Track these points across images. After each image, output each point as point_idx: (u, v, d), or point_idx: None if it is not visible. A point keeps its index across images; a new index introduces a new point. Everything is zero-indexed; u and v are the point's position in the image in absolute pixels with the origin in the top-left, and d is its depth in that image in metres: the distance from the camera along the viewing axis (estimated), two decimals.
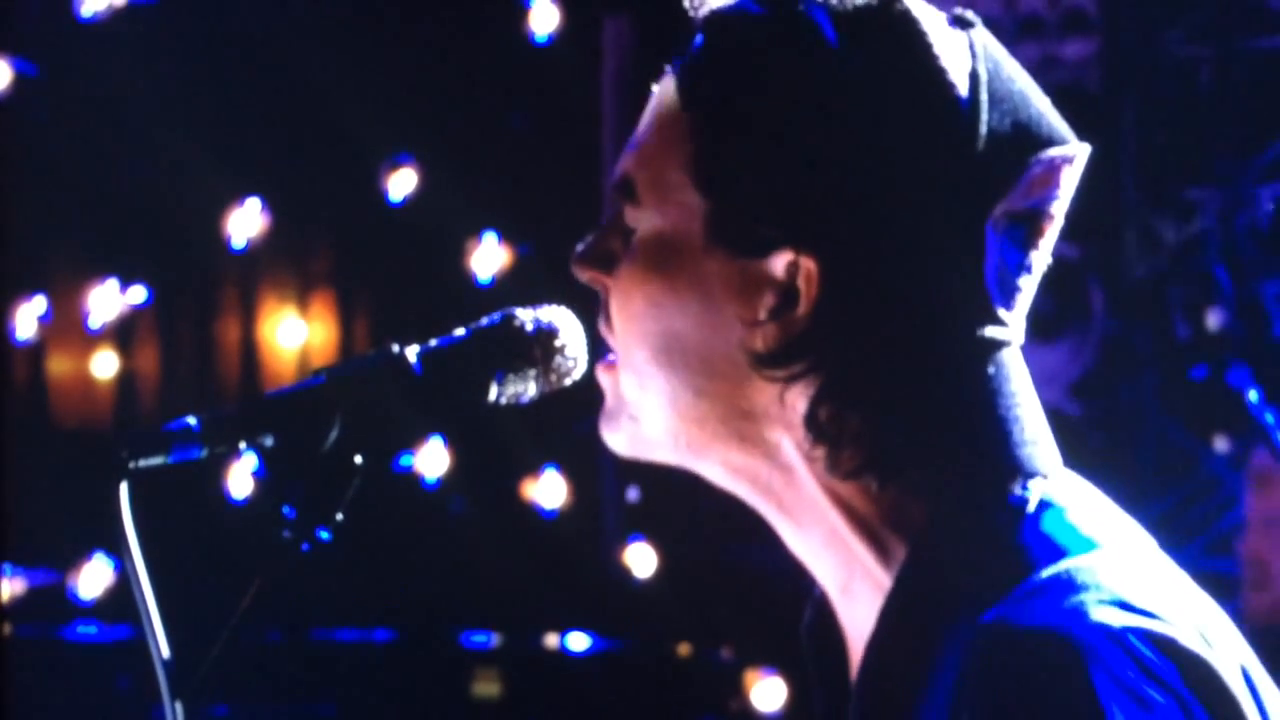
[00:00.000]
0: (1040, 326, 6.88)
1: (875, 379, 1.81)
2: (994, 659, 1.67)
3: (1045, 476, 1.83)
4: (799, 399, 1.84)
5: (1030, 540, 1.78)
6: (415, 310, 7.40)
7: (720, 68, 1.86)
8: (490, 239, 7.41)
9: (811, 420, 1.83)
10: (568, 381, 2.00)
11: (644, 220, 1.88)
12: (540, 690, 7.23)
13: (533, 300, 2.03)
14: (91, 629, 7.17)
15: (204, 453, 1.92)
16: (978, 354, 1.83)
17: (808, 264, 1.81)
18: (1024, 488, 1.81)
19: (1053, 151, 1.84)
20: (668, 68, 1.91)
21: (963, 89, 1.82)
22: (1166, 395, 6.90)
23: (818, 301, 1.81)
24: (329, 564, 2.04)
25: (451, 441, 7.28)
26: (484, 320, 2.00)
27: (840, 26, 1.82)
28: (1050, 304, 6.80)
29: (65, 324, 7.67)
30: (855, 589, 1.86)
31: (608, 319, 1.92)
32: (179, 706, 1.86)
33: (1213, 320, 6.86)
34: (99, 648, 7.11)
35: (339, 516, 1.90)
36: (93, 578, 7.15)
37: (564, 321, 2.00)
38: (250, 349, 8.06)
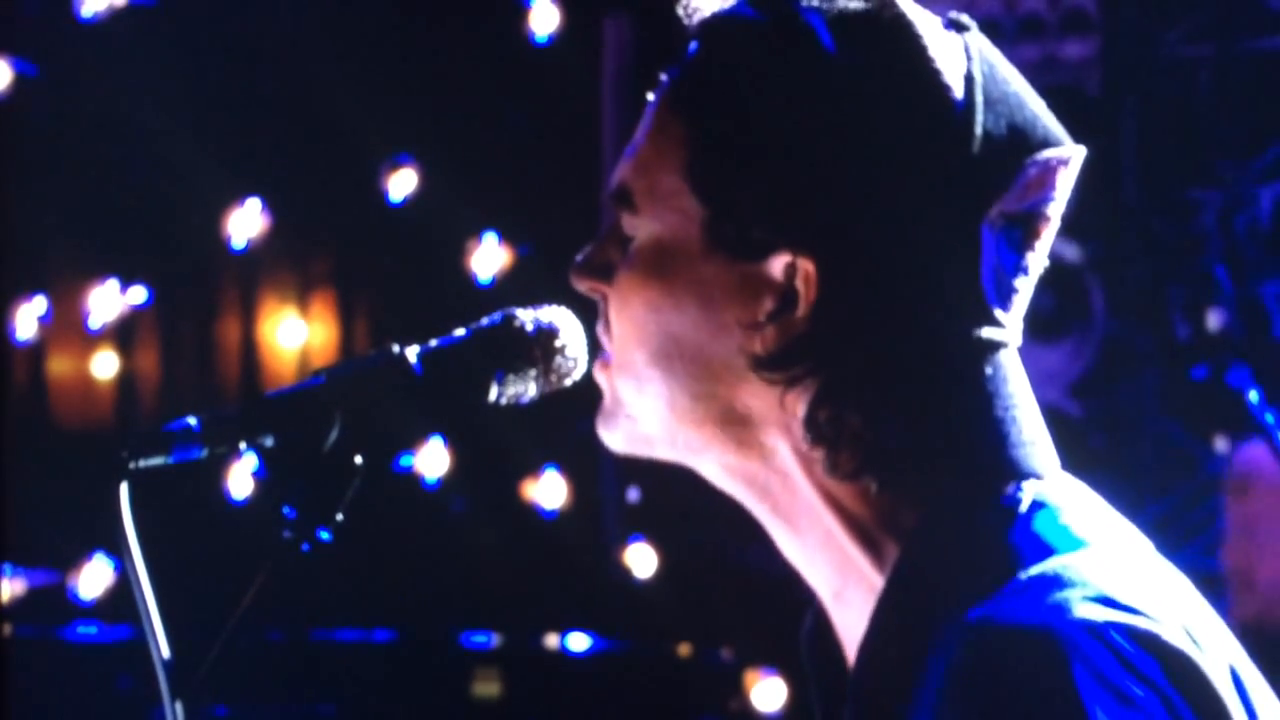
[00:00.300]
0: (1040, 326, 6.89)
1: (874, 380, 1.82)
2: (976, 655, 1.68)
3: (1041, 477, 1.84)
4: (798, 402, 1.84)
5: (1020, 540, 1.78)
6: (415, 310, 7.40)
7: (716, 73, 1.87)
8: (490, 239, 7.41)
9: (810, 422, 1.83)
10: (568, 382, 2.01)
11: (642, 227, 1.89)
12: (540, 690, 7.23)
13: (533, 300, 2.03)
14: (91, 629, 7.17)
15: (204, 453, 1.93)
16: (975, 355, 1.84)
17: (806, 266, 1.82)
18: (1017, 488, 1.81)
19: (1048, 153, 1.84)
20: (662, 76, 1.92)
21: (958, 91, 1.83)
22: (1166, 395, 6.90)
23: (816, 303, 1.82)
24: (329, 564, 2.04)
25: (451, 441, 7.28)
26: (484, 320, 2.00)
27: (835, 31, 1.83)
28: (1050, 304, 6.80)
29: (65, 324, 7.67)
30: (849, 594, 1.87)
31: (607, 326, 1.93)
32: (179, 706, 1.86)
33: (1213, 320, 6.86)
34: (99, 648, 7.11)
35: (339, 516, 1.91)
36: (93, 578, 7.15)
37: (564, 322, 2.00)
38: (250, 349, 8.06)
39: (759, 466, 1.88)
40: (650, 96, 1.93)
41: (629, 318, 1.89)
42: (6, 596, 7.04)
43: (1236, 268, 6.77)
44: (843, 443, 1.82)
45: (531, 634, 7.31)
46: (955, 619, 1.71)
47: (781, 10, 1.85)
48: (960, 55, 1.85)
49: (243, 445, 1.93)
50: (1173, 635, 1.69)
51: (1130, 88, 6.94)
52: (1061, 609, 1.69)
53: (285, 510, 1.90)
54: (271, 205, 7.48)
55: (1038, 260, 1.86)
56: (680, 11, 1.91)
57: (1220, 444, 6.89)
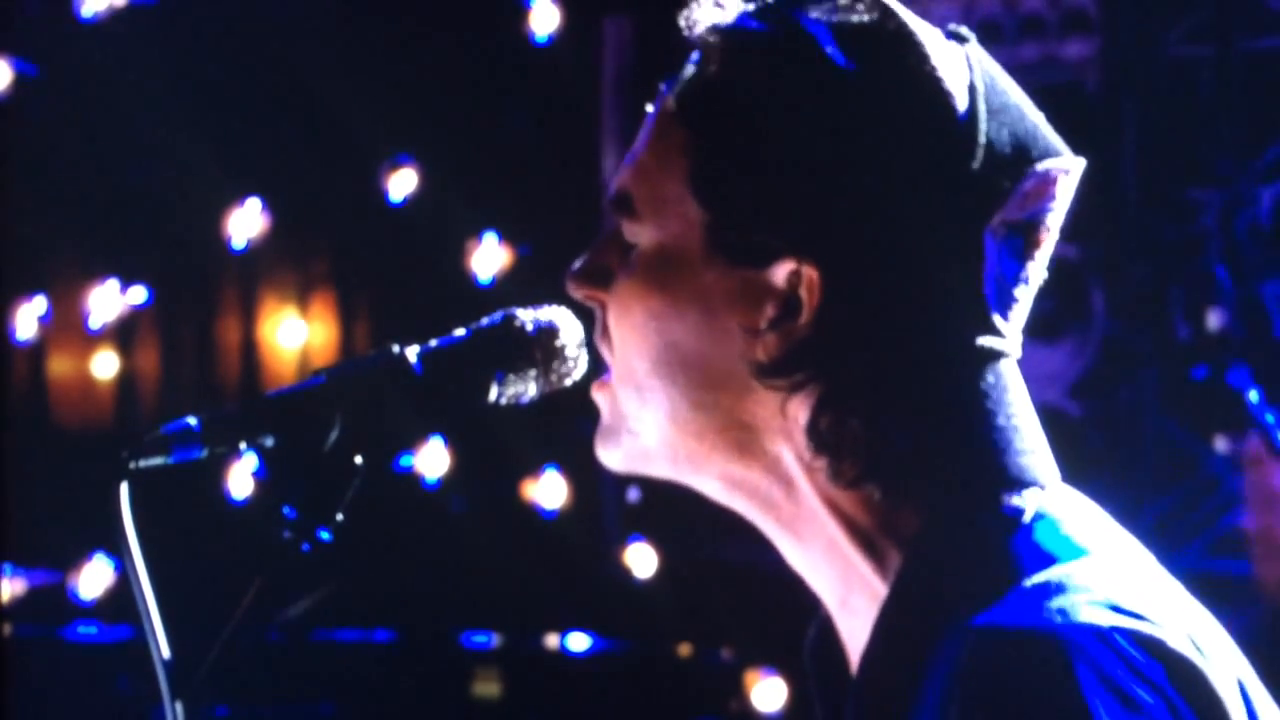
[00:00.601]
0: (1040, 326, 6.88)
1: (876, 387, 1.82)
2: (981, 660, 1.68)
3: (1043, 487, 1.84)
4: (800, 409, 1.84)
5: (1022, 549, 1.78)
6: (415, 310, 7.40)
7: (720, 83, 1.87)
8: (490, 239, 7.41)
9: (813, 429, 1.83)
10: (568, 382, 2.01)
11: (643, 234, 1.89)
12: (540, 690, 7.23)
13: (533, 300, 2.03)
14: (91, 629, 7.17)
15: (204, 453, 1.93)
16: (976, 364, 1.84)
17: (809, 273, 1.82)
18: (1019, 497, 1.82)
19: (1049, 163, 1.85)
20: (663, 86, 1.92)
21: (961, 101, 1.83)
22: (1166, 395, 6.90)
23: (819, 310, 1.82)
24: (329, 564, 2.04)
25: (451, 441, 7.28)
26: (484, 320, 2.00)
27: (839, 41, 1.83)
28: (1050, 304, 6.79)
29: (65, 324, 7.67)
30: (854, 602, 1.87)
31: (605, 335, 1.93)
32: (179, 706, 1.86)
33: (1213, 320, 6.86)
34: (99, 648, 7.11)
35: (339, 516, 1.91)
36: (93, 578, 7.15)
37: (564, 322, 2.00)
38: (250, 349, 8.06)
39: (761, 476, 1.88)
40: (649, 107, 1.93)
41: (630, 325, 1.89)
42: (6, 596, 7.04)
43: (1236, 268, 6.77)
44: (845, 450, 1.82)
45: (531, 634, 7.32)
46: (958, 625, 1.71)
47: (786, 22, 1.85)
48: (962, 66, 1.85)
49: (243, 445, 1.93)
50: (1177, 641, 1.69)
51: (1130, 88, 6.94)
52: (1066, 614, 1.69)
53: (285, 510, 1.90)
54: (271, 205, 7.48)
55: (1038, 270, 1.87)
56: (681, 23, 1.91)
57: (1220, 444, 6.89)
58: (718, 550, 7.15)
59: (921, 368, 1.82)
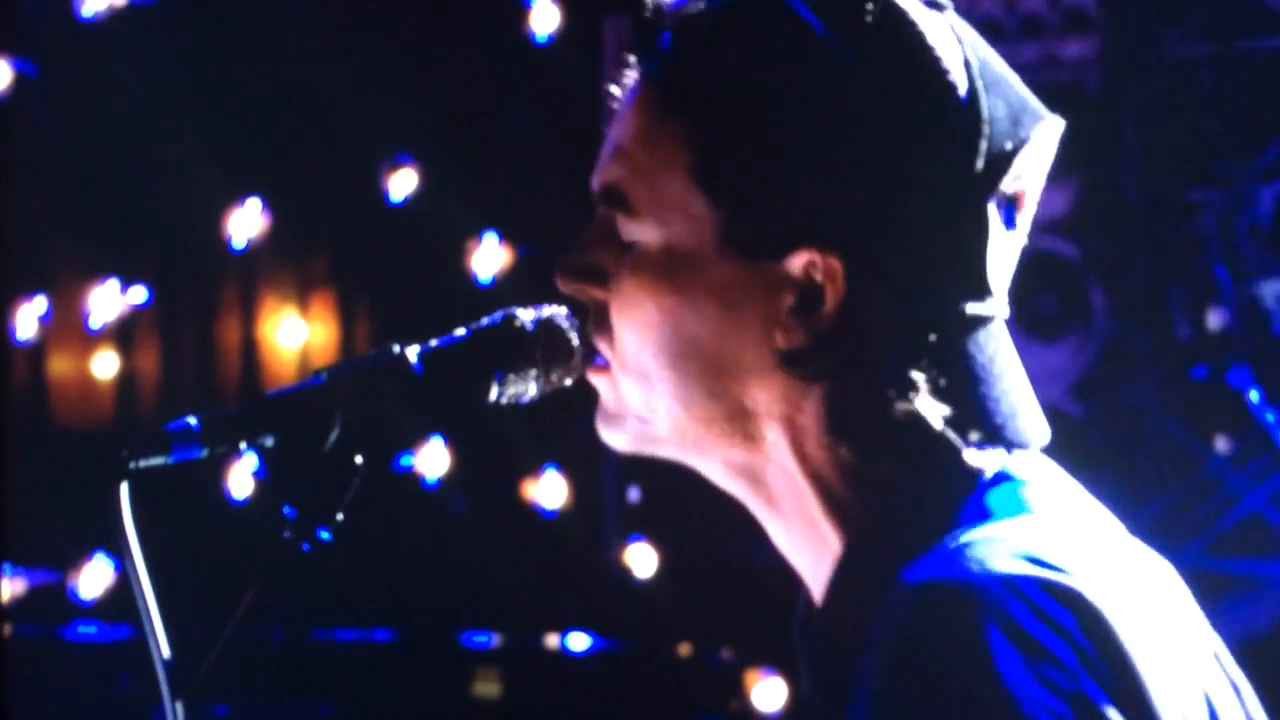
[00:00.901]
0: (1041, 326, 6.90)
1: (898, 365, 1.81)
2: (899, 614, 1.68)
3: (1024, 447, 1.84)
4: (810, 392, 1.84)
5: (969, 507, 1.78)
6: (415, 310, 7.40)
7: (715, 70, 1.85)
8: (490, 239, 7.41)
9: (834, 411, 1.83)
10: (568, 382, 2.00)
11: (645, 233, 1.88)
12: (540, 690, 7.23)
13: (533, 300, 2.02)
14: (91, 629, 7.17)
15: (204, 453, 1.92)
16: (969, 329, 1.85)
17: (831, 263, 1.82)
18: (981, 457, 1.81)
19: (1039, 128, 1.86)
20: (636, 68, 1.91)
21: (960, 78, 1.83)
22: (1166, 395, 6.90)
23: (845, 297, 1.82)
24: (329, 564, 2.04)
25: (451, 441, 7.28)
26: (484, 320, 2.00)
27: (830, 21, 1.82)
28: (1051, 304, 6.80)
29: (65, 324, 7.67)
30: (824, 573, 1.87)
31: (600, 330, 1.92)
32: (179, 706, 1.86)
33: (1213, 320, 6.86)
34: (99, 648, 7.11)
35: (339, 516, 1.90)
36: (93, 578, 7.15)
37: (564, 322, 2.00)
38: (250, 349, 8.06)
39: (758, 458, 1.88)
40: (617, 90, 1.92)
41: (640, 324, 1.88)
42: (6, 596, 7.04)
43: (1236, 268, 6.77)
44: (858, 429, 1.82)
45: (531, 634, 7.31)
46: (892, 582, 1.72)
47: (770, 2, 1.84)
48: (952, 40, 1.85)
49: (243, 445, 1.93)
50: (1096, 595, 1.67)
51: (1130, 88, 6.94)
52: (981, 564, 1.68)
53: (285, 510, 1.90)
54: (271, 205, 7.48)
55: (1023, 231, 1.88)
56: (649, 3, 1.89)
57: (1220, 444, 6.89)
58: (717, 550, 7.15)
59: (932, 339, 1.82)
